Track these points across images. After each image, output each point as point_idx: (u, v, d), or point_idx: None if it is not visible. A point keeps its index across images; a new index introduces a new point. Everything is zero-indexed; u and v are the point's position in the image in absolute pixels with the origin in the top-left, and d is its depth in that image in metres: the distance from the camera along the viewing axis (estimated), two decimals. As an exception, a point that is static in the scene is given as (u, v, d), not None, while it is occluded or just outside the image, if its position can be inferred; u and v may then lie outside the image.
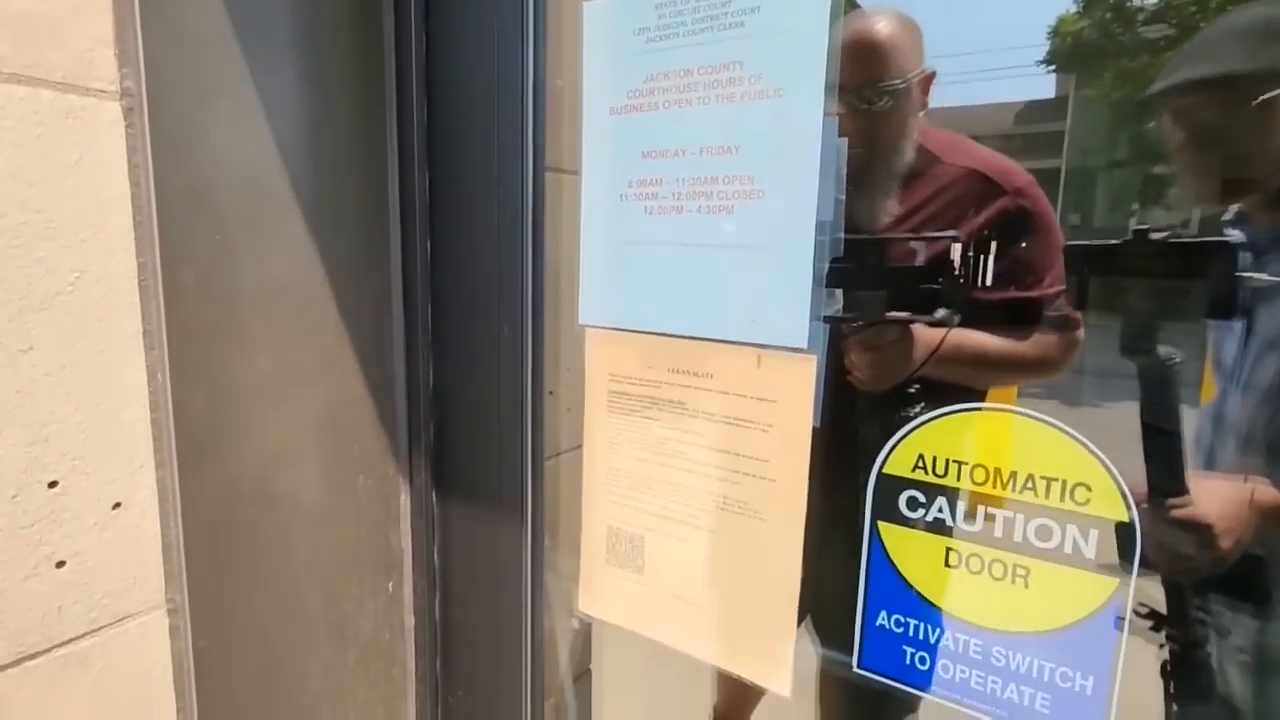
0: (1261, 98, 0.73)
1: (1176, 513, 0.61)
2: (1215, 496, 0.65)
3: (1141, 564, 0.57)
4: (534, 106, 0.71)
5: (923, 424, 0.54)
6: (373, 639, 0.84)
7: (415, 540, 0.85)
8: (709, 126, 0.61)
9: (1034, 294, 1.02)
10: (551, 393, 0.82)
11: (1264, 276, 0.77)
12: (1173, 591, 0.64)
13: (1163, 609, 0.64)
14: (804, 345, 0.58)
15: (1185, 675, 0.67)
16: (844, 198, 0.55)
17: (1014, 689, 0.51)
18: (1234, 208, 0.86)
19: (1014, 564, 0.50)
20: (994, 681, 0.52)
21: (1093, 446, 0.47)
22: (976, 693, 0.53)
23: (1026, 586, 0.50)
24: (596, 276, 0.70)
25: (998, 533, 0.51)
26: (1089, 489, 0.47)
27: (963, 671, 0.53)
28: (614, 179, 0.67)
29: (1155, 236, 0.58)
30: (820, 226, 0.56)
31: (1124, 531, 0.46)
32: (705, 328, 0.63)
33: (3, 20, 0.52)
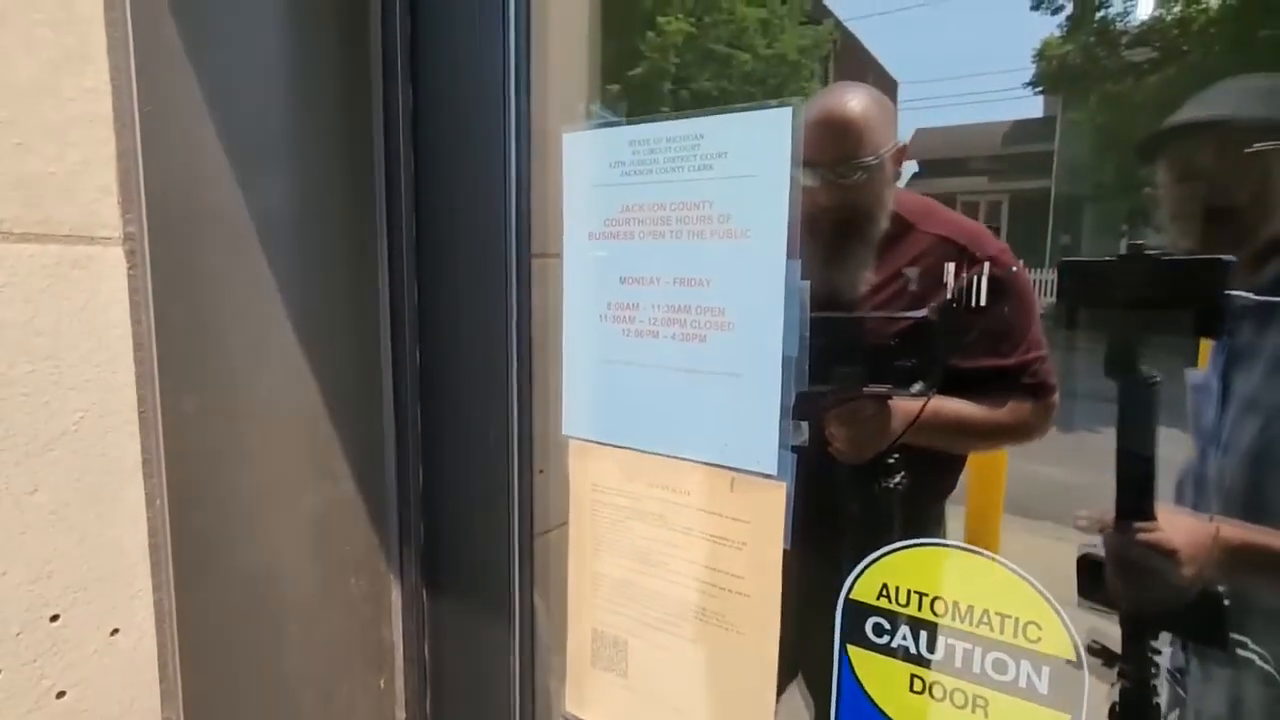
0: (1256, 146, 0.76)
1: (1142, 536, 0.64)
2: (1181, 526, 0.67)
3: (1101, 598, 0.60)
4: (518, 197, 0.74)
5: (886, 554, 0.57)
6: (364, 736, 0.85)
7: (406, 636, 0.87)
8: (682, 259, 0.64)
9: (1011, 361, 1.05)
10: (542, 471, 0.84)
11: (1250, 295, 0.78)
12: (1129, 627, 0.65)
13: (1116, 648, 0.65)
14: (774, 472, 0.60)
15: (1133, 715, 0.68)
16: (809, 334, 0.59)
17: (981, 816, 0.53)
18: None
19: (974, 694, 0.53)
20: (961, 808, 0.54)
21: (1040, 587, 0.49)
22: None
23: (986, 717, 0.52)
24: (579, 390, 0.73)
25: (958, 663, 0.53)
26: (1039, 627, 0.50)
27: (931, 796, 0.55)
28: (594, 300, 0.70)
29: (1148, 253, 0.60)
30: (786, 361, 0.59)
31: (1071, 670, 0.48)
32: (682, 448, 0.66)
33: (14, 182, 0.56)
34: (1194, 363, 0.86)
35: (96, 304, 0.60)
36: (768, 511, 0.61)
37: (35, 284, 0.57)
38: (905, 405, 0.96)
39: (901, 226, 1.10)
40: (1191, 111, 0.80)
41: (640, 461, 0.69)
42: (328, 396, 0.77)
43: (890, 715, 0.57)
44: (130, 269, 0.62)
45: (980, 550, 0.52)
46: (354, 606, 0.83)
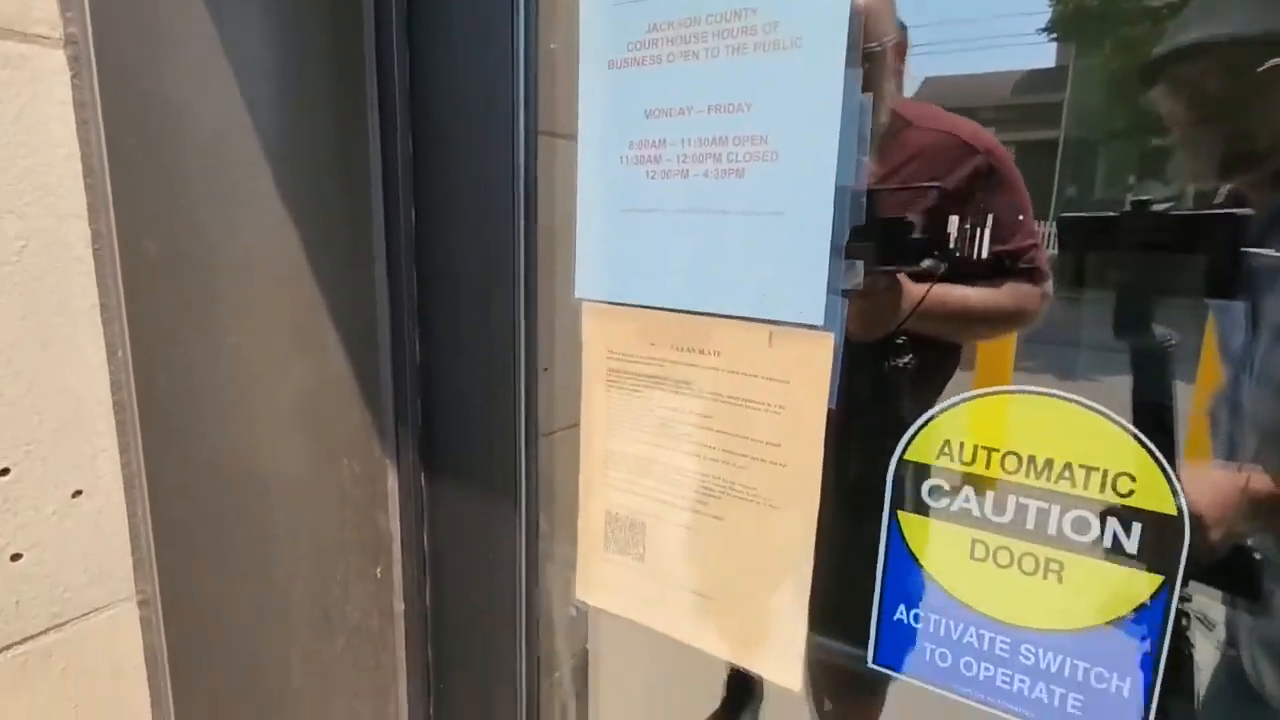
0: (1269, 64, 0.68)
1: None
2: (1206, 486, 0.62)
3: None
4: (525, 64, 0.66)
5: (949, 408, 0.50)
6: (360, 625, 0.81)
7: (404, 523, 0.81)
8: (718, 81, 0.55)
9: (1009, 247, 1.06)
10: (546, 369, 0.77)
11: (1270, 253, 0.73)
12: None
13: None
14: (819, 322, 0.53)
15: (1169, 672, 0.64)
16: (866, 159, 0.51)
17: (1043, 689, 0.48)
18: (1226, 187, 0.81)
19: (1047, 558, 0.47)
20: (1021, 680, 0.49)
21: (1139, 434, 0.43)
22: (1002, 691, 0.50)
23: (1060, 582, 0.46)
24: (594, 247, 0.65)
25: (1029, 524, 0.47)
26: (1132, 479, 0.43)
27: (987, 669, 0.50)
28: (613, 141, 0.61)
29: (1156, 208, 0.54)
30: (840, 192, 0.51)
31: (1171, 525, 0.42)
32: (712, 302, 0.58)
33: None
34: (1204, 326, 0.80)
35: (34, 115, 0.51)
36: (811, 368, 0.54)
37: (-43, 79, 0.48)
38: (913, 286, 0.94)
39: (901, 124, 1.11)
40: (1191, 33, 0.70)
41: (662, 322, 0.62)
42: (313, 254, 0.69)
43: (946, 586, 0.51)
44: (74, 77, 0.53)
45: (1068, 396, 0.45)
46: (346, 491, 0.77)
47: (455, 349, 0.75)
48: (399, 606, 0.84)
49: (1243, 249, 0.54)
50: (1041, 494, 0.46)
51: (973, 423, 0.49)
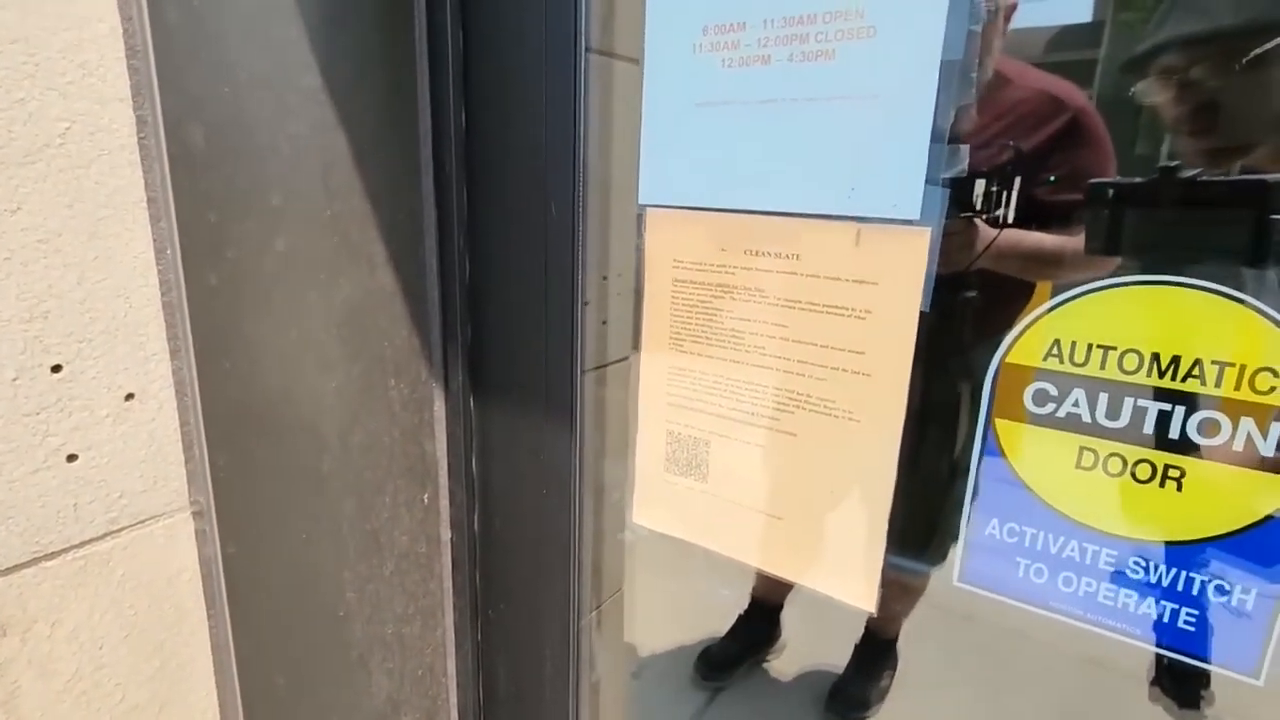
0: (1252, 53, 0.62)
1: None
2: None
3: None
4: None
5: (1059, 305, 0.46)
6: (409, 551, 0.79)
7: (451, 449, 0.79)
8: (806, -47, 0.51)
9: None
10: (586, 302, 0.74)
11: None
12: None
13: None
14: (915, 216, 0.49)
15: None
16: (979, 28, 0.46)
17: (1151, 604, 0.45)
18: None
19: (1165, 464, 0.43)
20: (1127, 596, 0.46)
21: (1289, 323, 0.39)
22: (1104, 608, 0.47)
23: (1179, 490, 0.43)
24: (660, 148, 0.61)
25: (1147, 429, 0.43)
26: (1275, 375, 0.39)
27: (1089, 585, 0.47)
28: (685, 27, 0.57)
29: (1184, 175, 0.50)
30: (946, 68, 0.46)
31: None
32: (792, 201, 0.54)
33: None
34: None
35: (75, -14, 0.48)
36: (904, 267, 0.50)
37: (-8, -61, 0.44)
38: (986, 229, 0.92)
39: (1001, 81, 1.09)
40: (1173, 28, 0.64)
41: (734, 225, 0.58)
42: (360, 160, 0.66)
43: (1046, 497, 0.48)
44: (114, -53, 0.49)
45: (1206, 284, 0.41)
46: (394, 413, 0.75)
47: (507, 268, 0.71)
48: (446, 534, 0.82)
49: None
50: (1164, 395, 0.43)
51: (1087, 320, 0.45)
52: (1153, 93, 0.66)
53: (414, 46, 0.68)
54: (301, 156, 0.61)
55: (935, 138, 0.47)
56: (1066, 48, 0.71)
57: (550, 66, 0.64)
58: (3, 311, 0.47)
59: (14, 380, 0.48)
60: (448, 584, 0.84)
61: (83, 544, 0.53)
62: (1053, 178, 0.99)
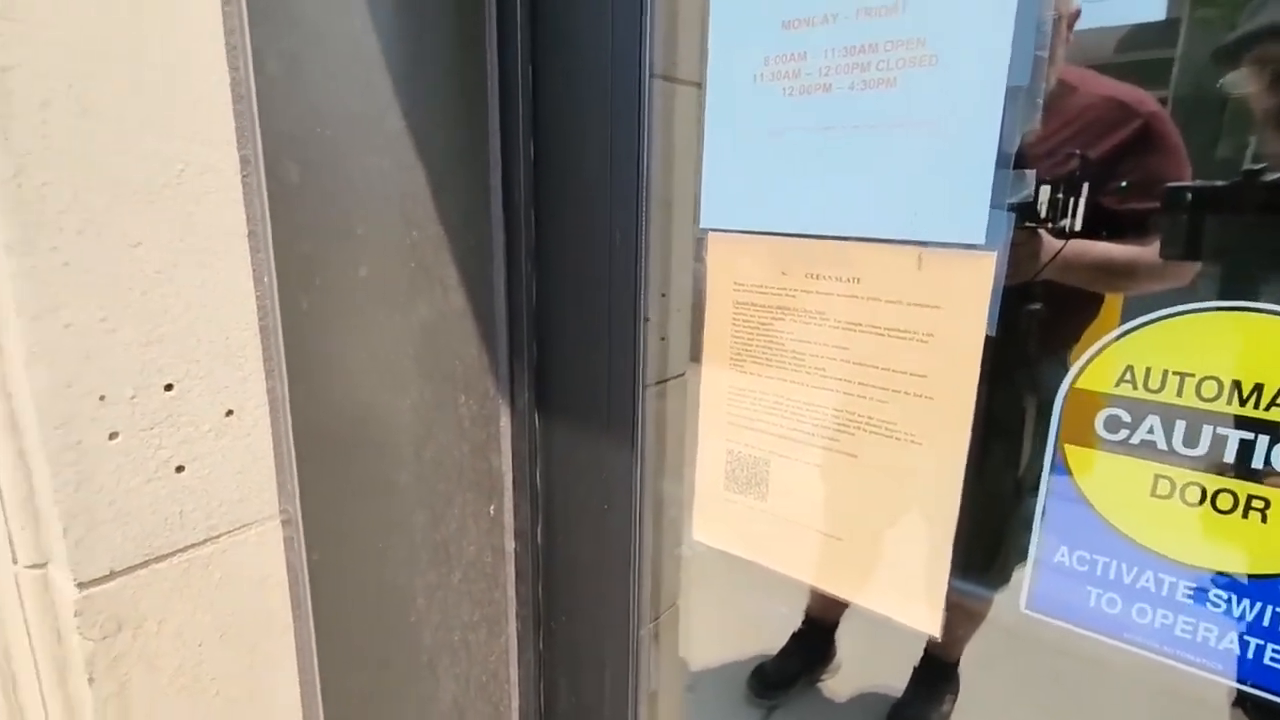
0: None
1: None
2: None
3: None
4: (648, 2, 0.63)
5: (1132, 330, 0.45)
6: (476, 560, 0.82)
7: (516, 463, 0.82)
8: (867, -16, 0.52)
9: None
10: (648, 319, 0.76)
11: None
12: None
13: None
14: (980, 240, 0.49)
15: None
16: (1045, 54, 0.46)
17: (1232, 638, 0.44)
18: None
19: (1248, 494, 0.42)
20: (1207, 630, 0.44)
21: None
22: (1182, 641, 0.45)
23: (1264, 521, 0.42)
24: (722, 174, 0.62)
25: (1228, 458, 0.42)
26: (1368, 404, 0.38)
27: (1165, 617, 0.46)
28: (746, 58, 0.59)
29: (1271, 178, 0.48)
30: (1011, 93, 0.47)
31: None
32: (853, 225, 0.55)
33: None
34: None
35: (186, 32, 0.53)
36: (969, 291, 0.50)
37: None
38: (1051, 240, 0.90)
39: (1066, 89, 1.07)
40: (1274, 13, 0.60)
41: (795, 249, 0.59)
42: (436, 192, 0.70)
43: (1119, 526, 0.47)
44: (224, 4, 0.54)
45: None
46: (464, 429, 0.78)
47: (572, 289, 0.74)
48: (510, 545, 0.85)
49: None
50: (1246, 423, 0.42)
51: (1162, 345, 0.44)
52: (1245, 84, 0.63)
53: (486, 85, 0.71)
54: (384, 190, 0.65)
55: (1000, 163, 0.47)
56: (1139, 47, 0.71)
57: (616, 95, 0.66)
58: (125, 336, 0.52)
59: (132, 398, 0.53)
60: (511, 593, 0.87)
61: (187, 548, 0.58)
62: (1122, 185, 0.96)
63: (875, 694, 1.27)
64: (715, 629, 1.22)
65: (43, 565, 0.54)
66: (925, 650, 1.14)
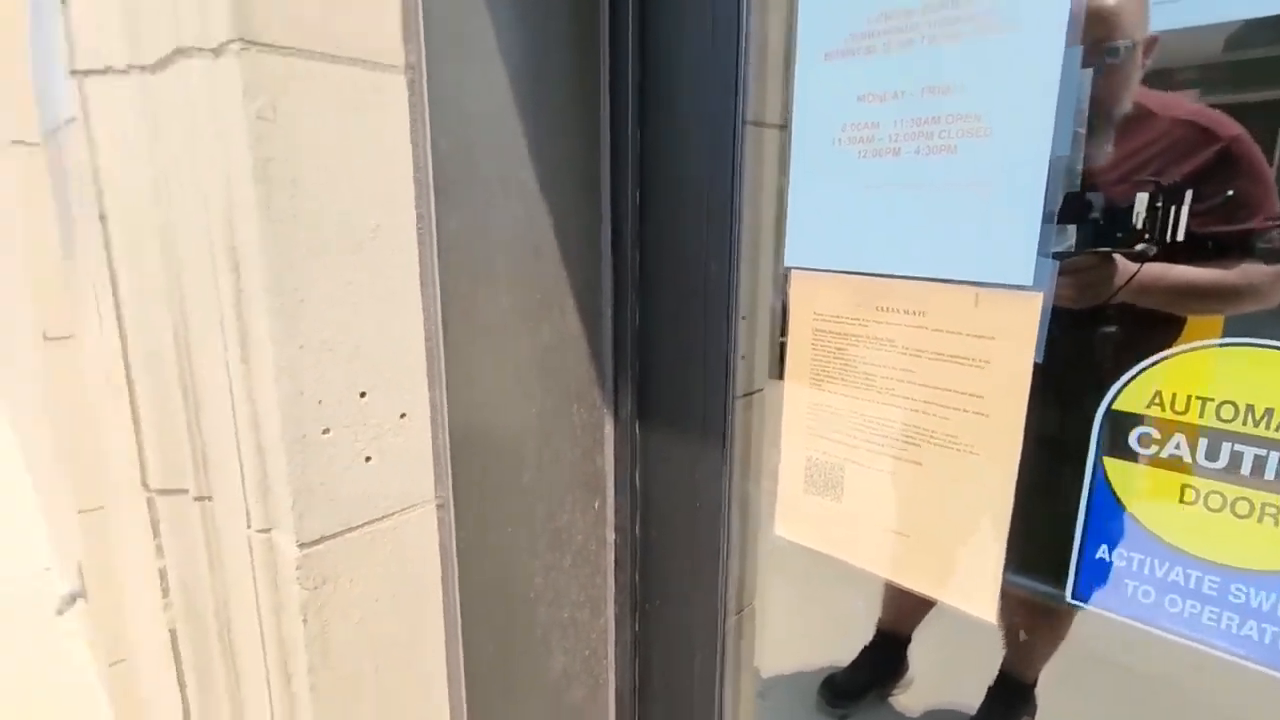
0: None
1: None
2: None
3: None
4: (745, 58, 0.75)
5: (1159, 361, 0.53)
6: (582, 548, 0.95)
7: (618, 465, 0.95)
8: (932, 66, 0.62)
9: (1248, 226, 1.02)
10: (745, 318, 0.87)
11: None
12: None
13: None
14: (1028, 283, 0.58)
15: None
16: (1084, 130, 0.55)
17: (1254, 626, 0.51)
18: None
19: (1263, 502, 0.49)
20: (1230, 618, 0.52)
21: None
22: (1208, 628, 0.53)
23: (1276, 524, 0.49)
24: (804, 220, 0.73)
25: (1245, 470, 0.50)
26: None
27: (1193, 607, 0.53)
28: (826, 125, 0.69)
29: None
30: (1055, 162, 0.56)
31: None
32: (918, 267, 0.65)
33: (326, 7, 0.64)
34: None
35: (384, 127, 0.68)
36: (1018, 325, 0.59)
37: (332, 100, 0.65)
38: (1126, 264, 0.95)
39: (1143, 113, 1.09)
40: None
41: (867, 286, 0.69)
42: (560, 236, 0.83)
43: (1152, 527, 0.55)
44: (411, 96, 0.70)
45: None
46: (576, 434, 0.91)
47: (670, 316, 0.86)
48: (611, 536, 0.98)
49: None
50: (1259, 441, 0.49)
51: (1185, 374, 0.52)
52: None
53: (599, 145, 0.85)
54: (519, 233, 0.80)
55: (1045, 219, 0.57)
56: (1255, 45, 0.64)
57: (713, 145, 0.78)
58: (337, 355, 0.68)
59: (339, 403, 0.68)
60: (611, 579, 1.00)
61: (370, 522, 0.73)
62: (1205, 209, 1.01)
63: (948, 711, 1.28)
64: (787, 635, 1.27)
65: (268, 530, 0.70)
66: (1001, 670, 1.16)
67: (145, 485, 0.83)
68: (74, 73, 0.73)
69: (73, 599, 2.13)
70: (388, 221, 0.70)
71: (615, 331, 0.91)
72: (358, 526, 0.72)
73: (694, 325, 0.84)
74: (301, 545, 0.68)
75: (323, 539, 0.69)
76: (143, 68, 0.69)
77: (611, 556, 0.99)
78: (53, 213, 1.06)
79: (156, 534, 0.84)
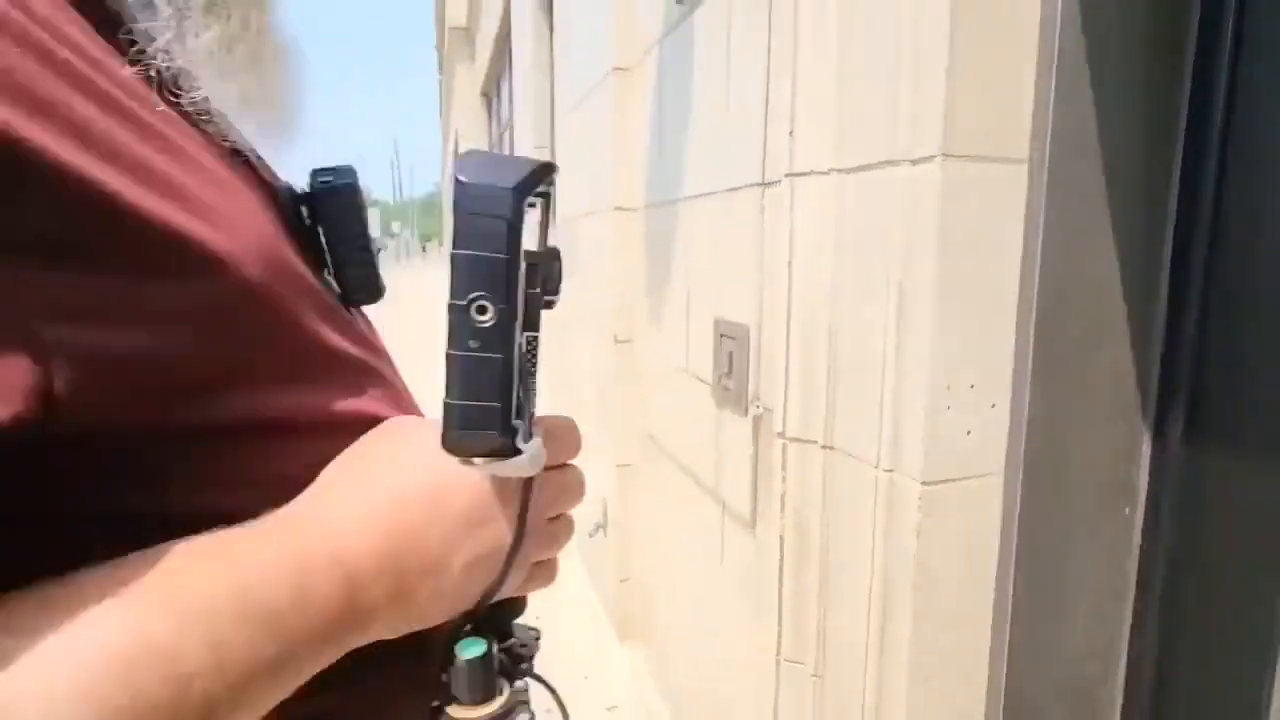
0: None
1: None
2: None
3: None
4: None
5: None
6: (1111, 546, 1.12)
7: (1153, 477, 1.09)
8: None
9: None
10: None
11: None
12: None
13: None
14: None
15: None
16: None
17: None
18: None
19: None
20: None
21: None
22: None
23: None
24: None
25: None
26: None
27: None
28: None
29: None
30: None
31: None
32: None
33: (986, 114, 0.97)
34: None
35: (1001, 215, 0.99)
36: None
37: (982, 188, 0.97)
38: None
39: None
40: None
41: None
42: (1123, 273, 1.04)
43: None
44: (1028, 187, 0.99)
45: None
46: (1118, 446, 1.09)
47: (1235, 352, 0.99)
48: (1137, 539, 1.12)
49: None
50: None
51: None
52: None
53: (1168, 199, 1.03)
54: (1095, 280, 1.02)
55: None
56: None
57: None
58: (967, 357, 1.00)
59: (958, 389, 1.00)
60: (1133, 583, 1.13)
61: (966, 479, 1.03)
62: None
63: None
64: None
65: (891, 470, 1.06)
66: None
67: (782, 434, 1.28)
68: (788, 176, 1.22)
69: (597, 528, 3.00)
70: (978, 277, 1.00)
71: (1165, 357, 1.07)
72: (957, 480, 1.03)
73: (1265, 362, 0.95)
74: (924, 484, 1.01)
75: (934, 483, 1.02)
76: (842, 170, 1.12)
77: (1135, 560, 1.13)
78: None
79: (784, 468, 1.28)
